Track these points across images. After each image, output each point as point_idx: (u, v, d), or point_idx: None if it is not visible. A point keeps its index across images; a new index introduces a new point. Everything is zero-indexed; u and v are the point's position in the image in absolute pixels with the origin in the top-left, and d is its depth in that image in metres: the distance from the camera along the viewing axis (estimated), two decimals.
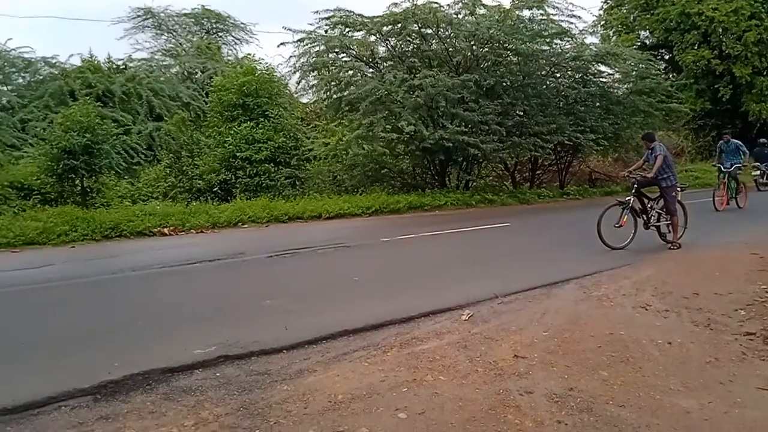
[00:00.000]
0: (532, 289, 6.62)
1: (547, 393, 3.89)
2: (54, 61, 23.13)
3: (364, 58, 17.27)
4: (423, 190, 17.07)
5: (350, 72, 17.18)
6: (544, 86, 18.50)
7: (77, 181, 13.35)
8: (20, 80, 23.02)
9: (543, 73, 18.58)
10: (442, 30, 16.53)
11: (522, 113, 17.72)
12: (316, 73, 17.25)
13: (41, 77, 22.77)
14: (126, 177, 16.48)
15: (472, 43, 16.65)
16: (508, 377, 4.16)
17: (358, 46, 16.76)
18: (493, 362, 4.43)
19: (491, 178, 21.28)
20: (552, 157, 20.32)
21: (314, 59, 16.67)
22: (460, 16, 16.93)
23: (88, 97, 16.72)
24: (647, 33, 30.06)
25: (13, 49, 22.57)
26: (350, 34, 16.96)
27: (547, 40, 17.74)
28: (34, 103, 20.77)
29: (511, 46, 16.68)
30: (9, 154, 16.58)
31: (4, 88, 21.80)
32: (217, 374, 4.27)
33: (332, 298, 6.44)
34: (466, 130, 15.89)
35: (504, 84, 17.35)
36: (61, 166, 12.93)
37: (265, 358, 4.59)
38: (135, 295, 6.90)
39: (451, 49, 16.77)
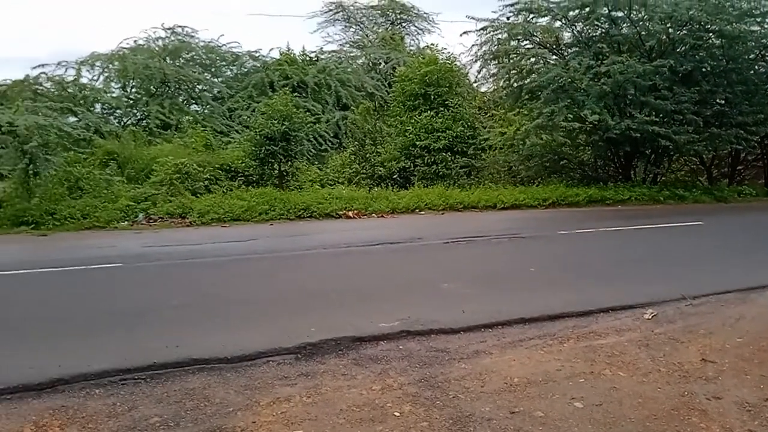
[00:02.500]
0: (726, 293, 6.15)
1: (738, 401, 3.69)
2: (257, 54, 25.60)
3: (548, 45, 16.87)
4: (605, 183, 16.32)
5: (532, 59, 16.89)
6: (752, 71, 16.64)
7: (275, 165, 14.77)
8: (228, 73, 25.82)
9: (751, 56, 16.71)
10: (634, 12, 15.59)
11: (723, 101, 16.13)
12: (496, 61, 17.22)
13: (246, 70, 25.34)
14: (315, 162, 17.81)
15: (668, 25, 15.48)
16: (694, 380, 4.00)
17: (542, 32, 16.44)
18: (678, 363, 4.27)
19: (683, 172, 19.66)
20: (757, 151, 18.27)
21: (496, 47, 16.66)
22: None
23: (285, 88, 18.30)
24: None
25: (224, 45, 25.40)
26: (534, 20, 16.65)
27: (758, 19, 15.91)
28: (240, 93, 23.20)
29: (713, 27, 15.25)
30: (219, 140, 18.70)
31: (216, 80, 24.60)
32: (400, 347, 4.62)
33: (507, 286, 6.56)
34: (657, 119, 14.89)
35: (703, 69, 15.90)
36: (263, 151, 14.43)
37: (444, 336, 4.85)
38: (326, 269, 7.60)
39: (643, 32, 15.74)
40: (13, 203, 11.56)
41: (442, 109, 17.26)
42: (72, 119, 15.82)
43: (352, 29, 33.54)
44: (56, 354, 4.35)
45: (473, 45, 17.06)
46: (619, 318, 5.36)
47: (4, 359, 4.28)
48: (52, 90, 19.98)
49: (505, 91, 17.72)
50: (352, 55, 29.52)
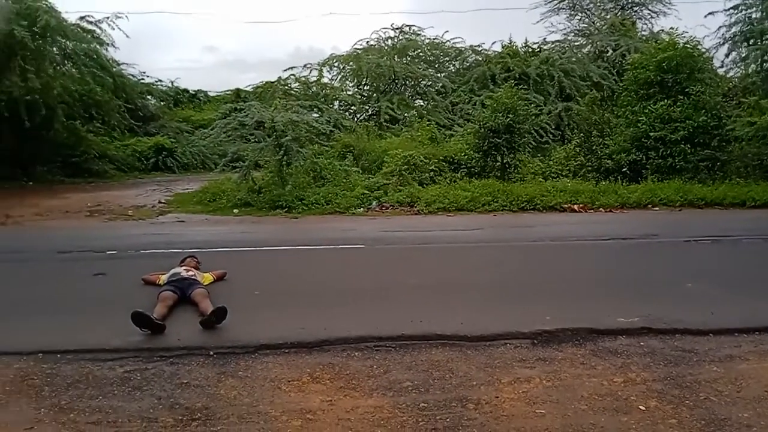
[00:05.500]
0: None
1: None
2: (479, 48, 25.85)
3: None
4: None
5: None
6: None
7: (498, 157, 14.90)
8: (451, 68, 26.48)
9: None
10: None
11: None
12: (747, 43, 15.38)
13: (468, 64, 25.73)
14: (538, 155, 17.58)
15: None
16: None
17: None
18: None
19: None
20: None
21: (748, 27, 14.89)
22: None
23: (509, 81, 18.32)
24: None
25: (448, 41, 26.09)
26: None
27: None
28: (462, 87, 23.67)
29: None
30: (442, 133, 19.36)
31: (440, 75, 25.41)
32: (641, 343, 4.49)
33: (766, 291, 5.93)
34: None
35: None
36: (486, 143, 14.66)
37: (690, 337, 4.61)
38: (555, 261, 7.59)
39: None
40: (270, 189, 13.30)
41: (680, 97, 15.84)
42: (315, 115, 17.58)
43: (577, 17, 32.06)
44: (320, 319, 4.99)
45: (720, 27, 15.46)
46: None
47: (278, 320, 5.01)
48: (298, 89, 22.43)
49: (759, 76, 15.74)
50: (577, 44, 28.27)
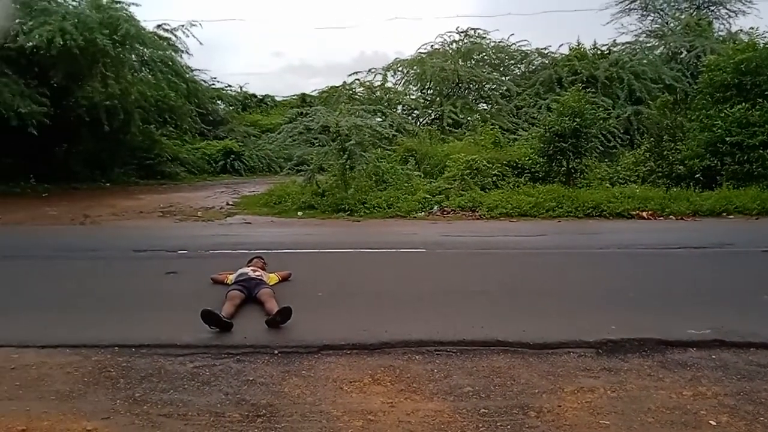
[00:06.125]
0: None
1: None
2: (546, 51, 25.41)
3: None
4: None
5: None
6: None
7: (564, 162, 14.61)
8: (516, 71, 26.16)
9: None
10: None
11: None
12: None
13: (534, 67, 25.35)
14: (605, 160, 17.13)
15: None
16: None
17: None
18: None
19: None
20: None
21: None
22: None
23: (577, 84, 17.93)
24: None
25: (513, 44, 25.79)
26: None
27: None
28: (527, 91, 23.34)
29: None
30: (506, 137, 19.12)
31: (504, 79, 25.11)
32: (713, 356, 4.32)
33: None
34: None
35: None
36: (551, 147, 14.40)
37: (765, 351, 4.40)
38: (622, 269, 7.39)
39: None
40: (333, 193, 13.52)
41: (760, 100, 15.10)
42: (378, 119, 17.74)
43: (650, 18, 31.07)
44: (381, 321, 5.03)
45: None
46: None
47: (340, 322, 5.10)
48: (363, 94, 22.69)
49: None
50: (648, 45, 27.38)
